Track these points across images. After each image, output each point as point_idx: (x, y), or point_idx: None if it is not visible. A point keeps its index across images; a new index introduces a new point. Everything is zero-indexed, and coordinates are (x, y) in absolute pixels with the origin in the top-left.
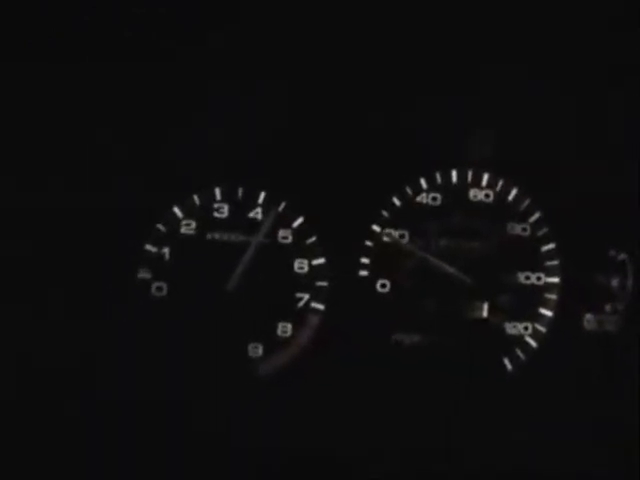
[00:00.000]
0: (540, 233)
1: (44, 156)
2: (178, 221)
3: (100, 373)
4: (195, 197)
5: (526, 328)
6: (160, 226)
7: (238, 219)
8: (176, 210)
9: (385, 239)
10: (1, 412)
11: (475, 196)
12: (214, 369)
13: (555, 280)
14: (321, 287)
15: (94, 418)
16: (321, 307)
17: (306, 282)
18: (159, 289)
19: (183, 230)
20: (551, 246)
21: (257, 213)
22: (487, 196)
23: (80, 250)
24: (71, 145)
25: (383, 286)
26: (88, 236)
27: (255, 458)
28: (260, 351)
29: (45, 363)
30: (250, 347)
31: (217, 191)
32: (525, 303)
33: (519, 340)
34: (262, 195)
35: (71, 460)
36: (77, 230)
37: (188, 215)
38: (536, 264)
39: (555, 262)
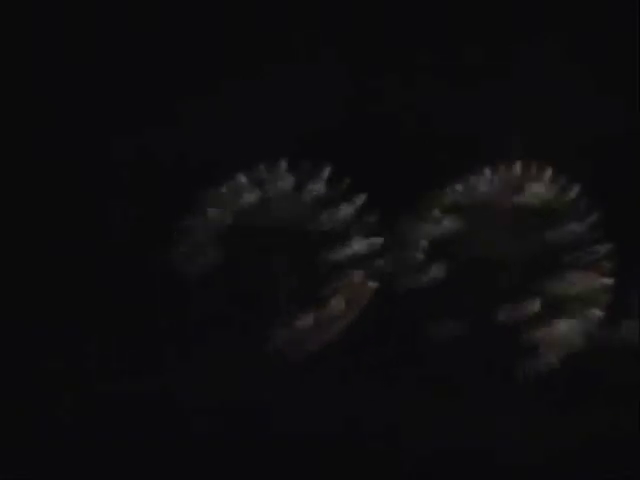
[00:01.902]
0: (595, 235)
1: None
2: (241, 189)
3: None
4: (261, 167)
5: (549, 335)
6: (224, 190)
7: (301, 192)
8: (241, 178)
9: None
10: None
11: (531, 194)
12: (256, 339)
13: (579, 290)
14: (377, 266)
15: (120, 400)
16: (375, 285)
17: (361, 260)
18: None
19: (246, 198)
20: (604, 248)
21: (320, 188)
22: (543, 194)
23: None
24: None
25: (436, 271)
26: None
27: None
28: (309, 322)
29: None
30: (300, 318)
31: (282, 163)
32: (546, 312)
33: (538, 347)
34: (326, 170)
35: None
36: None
37: (252, 183)
38: (562, 273)
39: (580, 273)
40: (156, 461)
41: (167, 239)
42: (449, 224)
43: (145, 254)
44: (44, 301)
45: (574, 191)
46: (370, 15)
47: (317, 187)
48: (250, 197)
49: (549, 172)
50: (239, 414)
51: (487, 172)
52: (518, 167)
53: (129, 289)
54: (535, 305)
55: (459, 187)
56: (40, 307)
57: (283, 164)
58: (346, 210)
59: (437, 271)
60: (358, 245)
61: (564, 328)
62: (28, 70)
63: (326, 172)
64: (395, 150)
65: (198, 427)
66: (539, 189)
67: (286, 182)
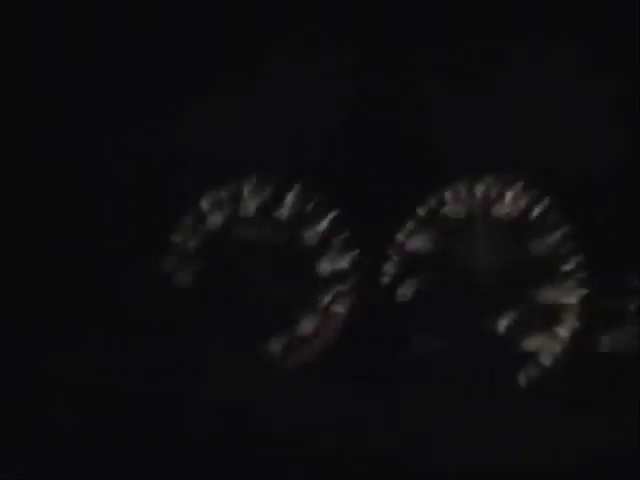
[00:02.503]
0: (562, 251)
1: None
2: (204, 215)
3: (121, 362)
4: (222, 192)
5: (541, 346)
6: (187, 219)
7: (264, 216)
8: (203, 204)
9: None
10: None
11: (499, 210)
12: (232, 363)
13: (573, 300)
14: (343, 291)
15: (114, 410)
16: (342, 310)
17: (329, 284)
18: (183, 281)
19: (209, 224)
20: (571, 266)
21: (284, 211)
22: (511, 211)
23: (105, 238)
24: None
25: (404, 294)
26: (113, 224)
27: (270, 453)
28: (279, 348)
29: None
30: (270, 344)
31: (246, 185)
32: (542, 321)
33: (533, 357)
34: (292, 191)
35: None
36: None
37: (214, 209)
38: (555, 282)
39: (574, 282)
40: (156, 461)
41: (165, 241)
42: (424, 238)
43: (145, 255)
44: (44, 301)
45: (543, 204)
46: (370, 15)
47: (288, 205)
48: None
49: (519, 185)
50: (236, 419)
51: (459, 186)
52: (489, 181)
53: (129, 289)
54: (525, 313)
55: (432, 202)
56: (40, 307)
57: (250, 184)
58: (319, 227)
59: (411, 287)
60: (331, 262)
61: (563, 335)
62: (28, 70)
63: (295, 192)
64: (364, 172)
65: (197, 429)
66: (509, 202)
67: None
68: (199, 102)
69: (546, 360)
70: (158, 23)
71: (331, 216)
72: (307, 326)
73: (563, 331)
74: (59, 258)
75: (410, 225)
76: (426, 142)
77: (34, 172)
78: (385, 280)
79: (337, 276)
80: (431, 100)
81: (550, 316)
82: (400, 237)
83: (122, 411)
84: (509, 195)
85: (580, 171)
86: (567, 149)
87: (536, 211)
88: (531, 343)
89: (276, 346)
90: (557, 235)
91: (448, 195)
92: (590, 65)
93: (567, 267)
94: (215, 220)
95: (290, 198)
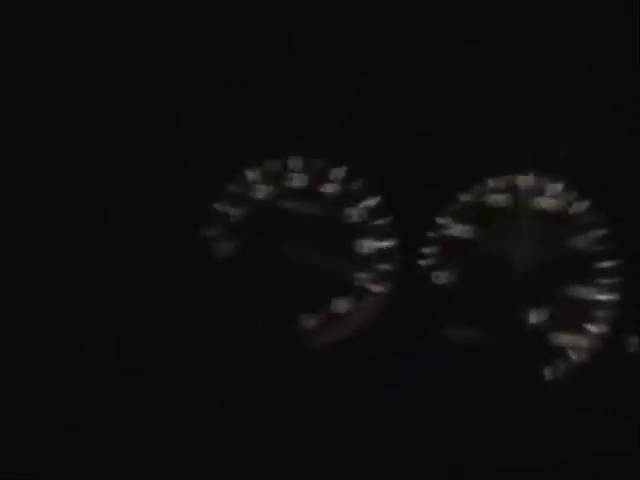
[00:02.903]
0: (600, 249)
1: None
2: (252, 185)
3: (154, 326)
4: (272, 163)
5: (570, 341)
6: (234, 188)
7: (311, 191)
8: (251, 174)
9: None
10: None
11: (541, 203)
12: (264, 336)
13: (606, 298)
14: (383, 270)
15: (114, 410)
16: (380, 290)
17: (368, 263)
18: (225, 249)
19: (257, 195)
20: (608, 264)
21: (332, 188)
22: (553, 205)
23: (149, 205)
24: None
25: (440, 278)
26: (113, 224)
27: (299, 431)
28: (312, 324)
29: (104, 315)
30: (303, 319)
31: (295, 161)
32: (573, 316)
33: (562, 352)
34: (340, 170)
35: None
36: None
37: (263, 180)
38: (590, 279)
39: (609, 280)
40: (157, 461)
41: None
42: (459, 230)
43: (145, 254)
44: (44, 301)
45: (584, 202)
46: (370, 15)
47: (331, 187)
48: (261, 193)
49: (558, 185)
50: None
51: (502, 176)
52: (528, 179)
53: (128, 289)
54: (559, 308)
55: (466, 195)
56: (40, 307)
57: (297, 162)
58: (364, 205)
59: (449, 272)
60: (373, 241)
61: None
62: (28, 70)
63: (341, 172)
64: (410, 155)
65: (200, 428)
66: (551, 196)
67: (299, 180)
68: (199, 102)
69: (575, 356)
70: (158, 23)
71: (371, 202)
72: (343, 304)
73: (594, 328)
74: (59, 258)
75: (452, 210)
76: (473, 134)
77: (34, 172)
78: (424, 263)
79: (378, 256)
80: (478, 96)
81: (582, 313)
82: (442, 221)
83: (122, 411)
84: (551, 189)
85: (620, 172)
86: (605, 152)
87: (576, 208)
88: (562, 338)
89: (310, 322)
90: (596, 233)
91: (491, 184)
92: (590, 65)
93: (603, 265)
94: (262, 191)
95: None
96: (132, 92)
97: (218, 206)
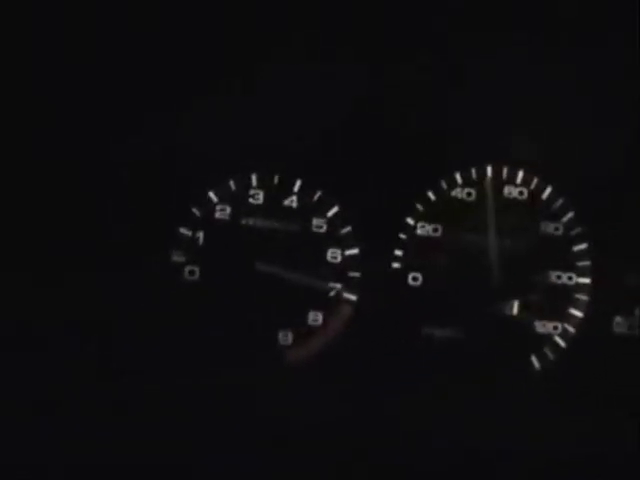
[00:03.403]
0: (573, 233)
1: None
2: (213, 206)
3: (128, 355)
4: (231, 182)
5: (555, 328)
6: (195, 210)
7: (273, 206)
8: (211, 195)
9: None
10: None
11: (509, 193)
12: (244, 355)
13: (586, 281)
14: (353, 278)
15: (121, 401)
16: (353, 298)
17: (339, 272)
18: (192, 273)
19: (218, 215)
20: (583, 246)
21: (292, 201)
22: (521, 193)
23: (114, 231)
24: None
25: (415, 279)
26: (123, 217)
27: (279, 443)
28: (290, 339)
29: (77, 344)
30: (280, 335)
31: (253, 177)
32: (555, 302)
33: (548, 339)
34: (298, 183)
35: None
36: (111, 211)
37: (223, 200)
38: (568, 264)
39: (587, 263)
40: (157, 461)
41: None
42: (430, 229)
43: (145, 255)
44: (44, 301)
45: (547, 192)
46: (370, 15)
47: (289, 200)
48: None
49: (521, 174)
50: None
51: (458, 176)
52: (490, 170)
53: (128, 289)
54: (540, 297)
55: (434, 193)
56: (40, 307)
57: (253, 178)
58: (319, 222)
59: (422, 271)
60: (332, 256)
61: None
62: (28, 70)
63: (297, 185)
64: (371, 159)
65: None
66: (513, 191)
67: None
68: (199, 102)
69: (561, 342)
70: (158, 23)
71: (341, 203)
72: (318, 316)
73: (578, 312)
74: (59, 258)
75: (420, 208)
76: (437, 129)
77: (34, 172)
78: (396, 265)
79: (350, 264)
80: (446, 94)
81: (564, 297)
82: (410, 221)
83: (122, 411)
84: (519, 176)
85: (584, 161)
86: (572, 144)
87: (545, 194)
88: (545, 325)
89: (287, 337)
90: (568, 217)
91: (458, 177)
92: (590, 65)
93: (580, 248)
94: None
95: (298, 187)
96: (132, 92)
97: (182, 230)
